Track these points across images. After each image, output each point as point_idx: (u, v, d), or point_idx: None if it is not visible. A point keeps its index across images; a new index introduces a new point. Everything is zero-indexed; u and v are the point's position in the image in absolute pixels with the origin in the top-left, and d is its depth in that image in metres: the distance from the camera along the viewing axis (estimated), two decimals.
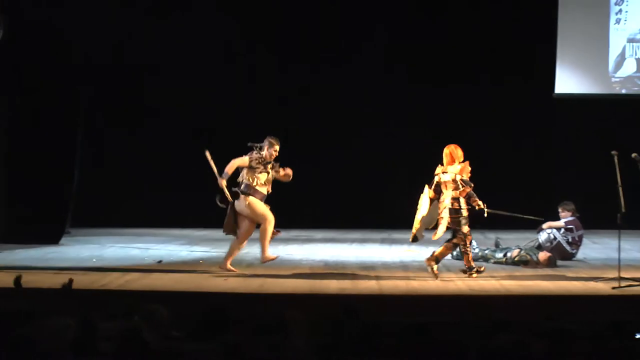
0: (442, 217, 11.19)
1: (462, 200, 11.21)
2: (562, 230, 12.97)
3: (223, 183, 11.41)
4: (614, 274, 10.59)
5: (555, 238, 12.86)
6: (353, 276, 11.34)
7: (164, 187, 17.01)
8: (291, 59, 17.04)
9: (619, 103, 16.20)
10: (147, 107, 17.13)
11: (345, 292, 10.18)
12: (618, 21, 15.67)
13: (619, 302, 9.92)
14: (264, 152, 11.44)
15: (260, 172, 11.40)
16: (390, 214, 16.83)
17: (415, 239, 11.50)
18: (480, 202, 11.23)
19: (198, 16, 16.83)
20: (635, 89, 15.80)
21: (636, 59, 15.72)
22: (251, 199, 11.37)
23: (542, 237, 12.94)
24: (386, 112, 17.10)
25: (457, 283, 10.82)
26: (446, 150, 11.47)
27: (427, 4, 16.87)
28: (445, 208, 11.19)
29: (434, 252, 11.31)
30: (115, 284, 10.54)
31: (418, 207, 11.48)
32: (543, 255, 12.34)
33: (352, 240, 15.39)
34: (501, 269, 11.95)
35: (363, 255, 13.49)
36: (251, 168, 11.41)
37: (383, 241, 15.36)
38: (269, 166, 11.46)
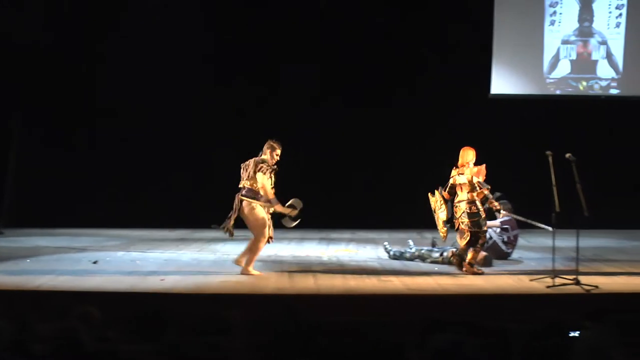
0: (460, 222, 11.59)
1: (478, 202, 11.54)
2: (498, 229, 13.08)
3: (280, 208, 11.44)
4: (549, 273, 10.71)
5: (491, 238, 12.97)
6: (291, 275, 11.33)
7: (100, 187, 16.86)
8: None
9: (553, 103, 16.38)
10: (89, 107, 16.94)
11: (283, 291, 10.17)
12: (552, 23, 15.85)
13: (553, 300, 10.04)
14: (267, 157, 11.38)
15: (269, 178, 11.36)
16: (328, 214, 16.86)
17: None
18: (496, 204, 11.53)
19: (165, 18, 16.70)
20: (569, 89, 16.00)
21: (570, 60, 15.91)
22: (258, 206, 11.31)
23: None
24: (323, 114, 17.10)
25: (394, 282, 10.86)
26: (461, 153, 11.86)
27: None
28: (463, 212, 11.58)
29: (465, 261, 11.58)
30: (49, 285, 10.41)
31: (435, 211, 11.88)
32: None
33: (290, 239, 15.38)
34: (438, 269, 12.01)
35: (301, 255, 13.50)
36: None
37: (321, 240, 15.38)
38: (273, 170, 11.42)
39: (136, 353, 5.45)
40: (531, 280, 10.89)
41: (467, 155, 11.79)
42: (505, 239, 13.01)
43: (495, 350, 5.55)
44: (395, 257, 12.99)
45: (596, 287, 10.31)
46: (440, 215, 11.82)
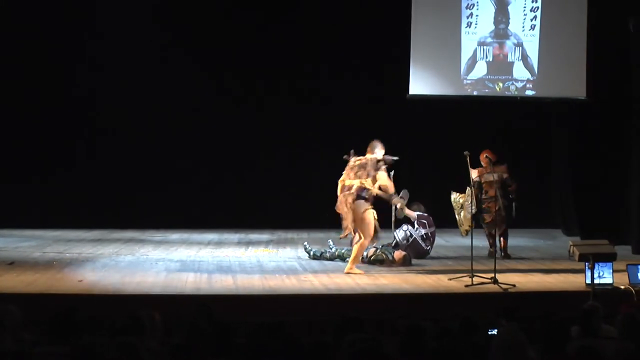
0: (501, 212, 12.60)
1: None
2: (416, 226, 13.17)
3: (397, 201, 12.35)
4: (467, 273, 10.82)
5: (411, 235, 13.06)
6: (210, 276, 11.28)
7: (15, 184, 16.53)
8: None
9: (471, 104, 16.53)
10: None
11: (201, 292, 10.13)
12: (469, 25, 15.98)
13: (471, 299, 10.15)
14: (374, 156, 11.77)
15: (373, 177, 11.73)
16: (247, 215, 16.82)
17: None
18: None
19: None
20: (486, 90, 16.12)
21: (486, 61, 16.05)
22: (369, 209, 11.61)
23: (400, 235, 13.12)
24: (240, 114, 17.03)
25: (313, 282, 10.89)
26: (489, 154, 12.92)
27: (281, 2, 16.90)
28: (502, 203, 12.55)
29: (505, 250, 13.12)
30: None
31: (462, 206, 12.91)
32: (398, 254, 12.52)
33: (209, 241, 15.29)
34: (357, 268, 12.04)
35: (220, 256, 13.43)
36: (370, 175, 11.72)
37: (240, 242, 15.33)
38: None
39: (51, 354, 5.39)
40: (450, 279, 10.99)
41: (493, 155, 12.91)
42: (424, 235, 13.11)
43: (411, 348, 5.59)
44: (315, 257, 13.00)
45: (513, 285, 10.46)
46: (469, 209, 12.68)
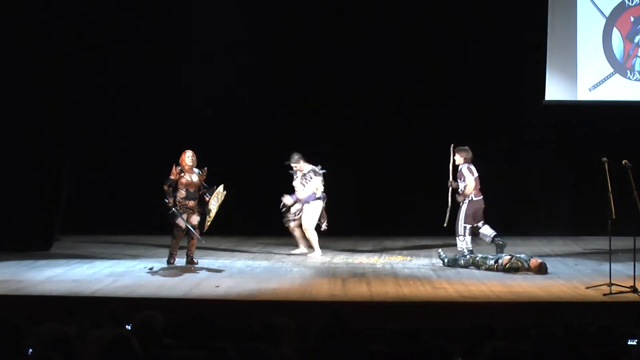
0: None
1: None
2: None
3: None
4: (605, 281, 10.60)
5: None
6: (344, 283, 11.34)
7: (152, 192, 16.87)
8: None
9: (608, 110, 16.21)
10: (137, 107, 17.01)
11: (335, 299, 10.19)
12: None
13: (609, 308, 9.94)
14: None
15: None
16: (381, 221, 16.82)
17: None
18: None
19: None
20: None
21: None
22: None
23: None
24: (375, 116, 17.05)
25: (447, 290, 10.83)
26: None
27: (419, 14, 16.84)
28: None
29: None
30: (105, 291, 10.53)
31: (219, 202, 13.22)
32: (534, 262, 12.34)
33: (343, 248, 15.34)
34: (492, 276, 11.94)
35: (354, 262, 13.48)
36: None
37: (374, 248, 15.34)
38: None
39: (186, 359, 5.49)
40: (587, 287, 10.79)
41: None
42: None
43: (547, 357, 5.51)
44: (449, 264, 12.93)
45: None
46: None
